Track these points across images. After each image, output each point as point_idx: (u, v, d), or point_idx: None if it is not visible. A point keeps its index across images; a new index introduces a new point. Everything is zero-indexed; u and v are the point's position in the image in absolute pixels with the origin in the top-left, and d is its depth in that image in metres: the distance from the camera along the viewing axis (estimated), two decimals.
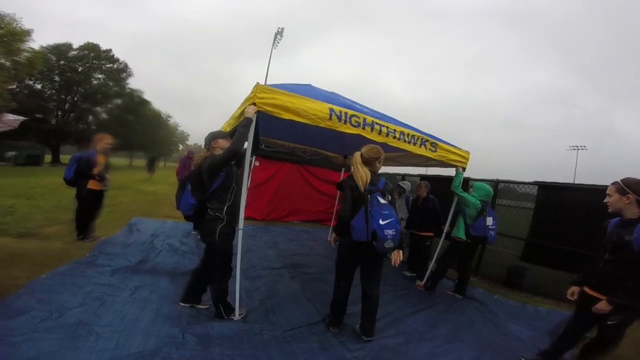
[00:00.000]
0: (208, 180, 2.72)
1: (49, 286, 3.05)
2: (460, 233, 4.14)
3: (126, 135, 28.50)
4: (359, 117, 3.19)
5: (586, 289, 2.45)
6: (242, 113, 3.03)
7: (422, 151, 3.77)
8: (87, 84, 29.63)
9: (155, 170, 22.92)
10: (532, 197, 5.20)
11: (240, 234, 2.87)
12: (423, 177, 6.59)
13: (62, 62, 27.75)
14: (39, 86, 26.81)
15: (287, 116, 2.85)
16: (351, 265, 2.89)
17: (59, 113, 28.73)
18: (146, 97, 35.34)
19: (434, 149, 3.86)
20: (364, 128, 3.23)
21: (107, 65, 31.40)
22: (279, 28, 25.27)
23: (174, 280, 3.57)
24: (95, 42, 30.60)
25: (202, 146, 2.99)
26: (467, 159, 4.22)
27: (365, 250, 2.67)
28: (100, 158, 4.64)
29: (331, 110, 3.02)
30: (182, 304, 3.05)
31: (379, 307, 2.91)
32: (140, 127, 33.17)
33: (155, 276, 3.67)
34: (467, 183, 5.04)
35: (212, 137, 2.93)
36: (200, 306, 3.06)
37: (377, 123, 3.32)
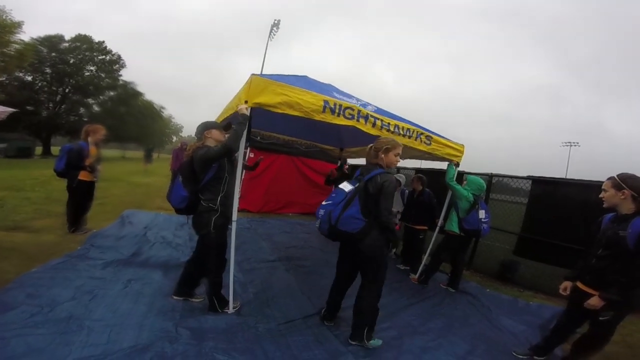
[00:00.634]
0: (200, 172, 2.69)
1: (39, 280, 3.00)
2: (453, 227, 4.16)
3: (118, 127, 28.31)
4: (353, 110, 3.16)
5: (579, 284, 2.47)
6: (235, 105, 2.98)
7: (416, 145, 3.75)
8: (79, 76, 29.19)
9: (152, 161, 22.88)
10: (525, 192, 5.22)
11: (233, 226, 2.85)
12: (418, 171, 6.59)
13: (53, 54, 27.25)
14: (29, 78, 26.32)
15: (280, 110, 2.81)
16: (341, 258, 3.00)
17: (50, 105, 28.33)
18: (139, 89, 35.07)
19: (428, 142, 3.85)
20: (358, 120, 3.20)
21: (100, 57, 30.93)
22: (275, 20, 24.94)
23: (167, 274, 3.54)
24: (87, 34, 30.13)
25: (194, 136, 2.92)
26: (461, 152, 4.22)
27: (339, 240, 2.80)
28: (92, 149, 4.57)
29: (325, 102, 2.98)
30: (175, 297, 3.02)
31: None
32: (133, 119, 32.84)
33: (147, 269, 3.64)
34: (461, 177, 5.04)
35: (205, 127, 2.89)
36: (193, 299, 3.04)
37: (371, 115, 3.29)
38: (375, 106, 3.81)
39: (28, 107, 24.59)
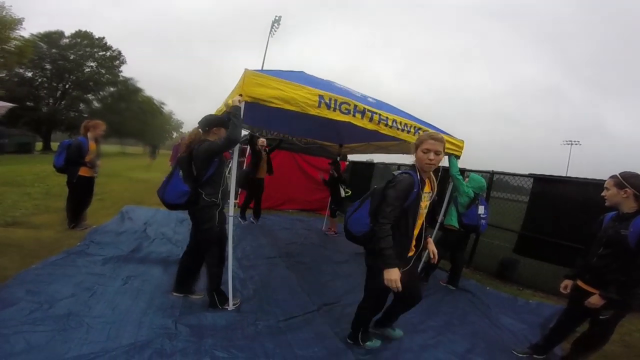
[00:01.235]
0: (202, 167, 2.68)
1: (38, 276, 3.00)
2: (453, 221, 4.17)
3: (119, 123, 28.34)
4: (349, 104, 3.11)
5: (579, 283, 2.46)
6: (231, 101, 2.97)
7: (414, 139, 3.70)
8: (79, 72, 29.19)
9: (157, 157, 23.12)
10: (526, 190, 5.19)
11: (230, 221, 2.85)
12: None
13: (53, 50, 27.21)
14: (29, 74, 26.30)
15: (275, 104, 2.78)
16: None
17: (50, 101, 28.31)
18: (140, 85, 35.13)
19: None
20: (354, 115, 3.16)
21: (100, 53, 30.89)
22: (276, 16, 24.70)
23: (167, 270, 3.53)
24: (88, 30, 30.03)
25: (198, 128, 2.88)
26: (461, 147, 4.18)
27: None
28: (91, 145, 4.56)
29: (320, 97, 2.94)
30: (175, 294, 3.02)
31: None
32: (133, 115, 32.86)
33: (147, 265, 3.64)
34: (462, 174, 5.02)
35: (217, 124, 2.87)
36: (193, 296, 3.04)
37: (368, 110, 3.24)
38: (375, 99, 3.77)
39: (28, 103, 24.61)
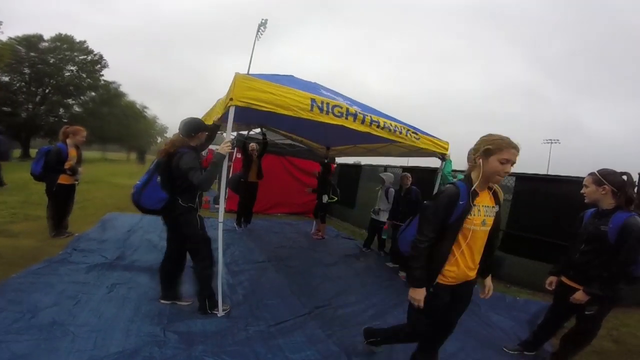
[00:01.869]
0: (180, 178, 2.66)
1: (20, 285, 2.91)
2: None
3: (101, 128, 27.80)
4: (341, 108, 3.15)
5: (564, 279, 2.52)
6: (223, 104, 2.95)
7: (407, 140, 3.76)
8: (59, 76, 28.36)
9: (146, 162, 22.79)
10: (509, 188, 5.30)
11: (220, 227, 2.84)
12: (405, 169, 6.65)
13: (32, 53, 26.38)
14: (6, 79, 25.45)
15: (267, 108, 2.78)
16: None
17: (29, 106, 27.46)
18: (122, 89, 34.53)
19: (417, 138, 3.88)
20: (346, 118, 3.19)
21: (81, 57, 30.10)
22: (262, 19, 24.58)
23: (154, 277, 3.43)
24: (68, 33, 29.29)
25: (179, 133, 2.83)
26: (446, 148, 4.26)
27: None
28: (72, 151, 4.44)
29: (312, 100, 2.96)
30: (162, 301, 2.96)
31: (365, 298, 2.85)
32: (116, 120, 32.21)
33: (133, 273, 3.56)
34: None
35: (200, 129, 2.86)
36: (181, 302, 2.99)
37: (360, 113, 3.28)
38: (360, 104, 3.81)
39: (5, 108, 23.82)
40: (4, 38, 19.66)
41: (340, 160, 9.31)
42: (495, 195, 1.94)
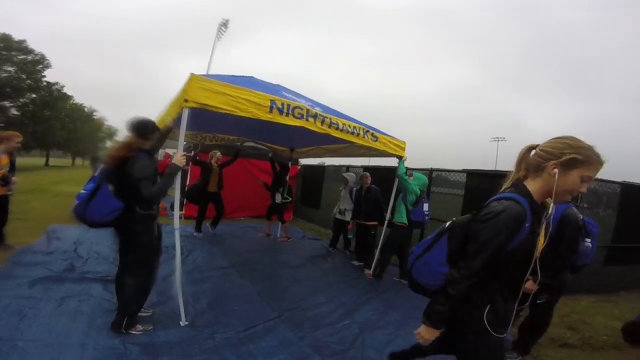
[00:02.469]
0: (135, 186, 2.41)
1: None
2: (403, 218, 4.37)
3: (43, 132, 25.62)
4: (302, 109, 3.14)
5: None
6: (176, 106, 2.81)
7: (364, 141, 3.85)
8: None
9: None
10: (461, 184, 5.55)
11: (177, 234, 2.71)
12: (366, 168, 6.77)
13: None
14: None
15: (224, 110, 2.69)
16: None
17: None
18: (67, 91, 32.17)
19: (374, 139, 3.97)
20: (307, 120, 3.18)
21: (20, 57, 27.49)
22: (223, 19, 23.53)
23: (107, 288, 3.21)
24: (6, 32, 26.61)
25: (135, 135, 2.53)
26: (403, 148, 4.39)
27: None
28: (3, 159, 4.00)
29: (272, 102, 2.92)
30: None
31: (334, 298, 2.84)
32: (60, 123, 29.95)
33: (84, 285, 3.30)
34: (406, 172, 5.24)
35: (155, 130, 2.61)
36: (140, 314, 2.77)
37: (320, 114, 3.29)
38: (322, 105, 3.83)
39: None
40: None
41: (305, 161, 9.30)
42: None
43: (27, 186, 7.71)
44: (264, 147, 7.04)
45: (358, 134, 3.73)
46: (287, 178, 6.44)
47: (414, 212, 4.31)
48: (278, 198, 6.21)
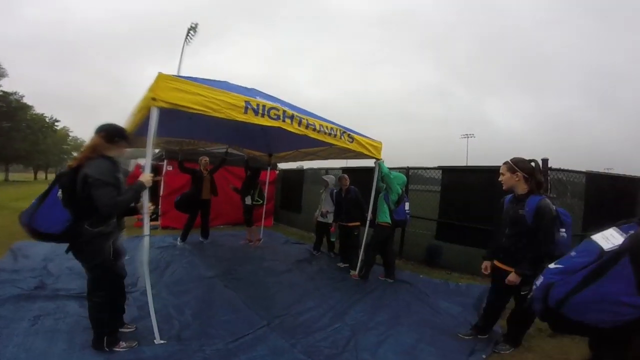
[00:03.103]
0: (86, 193, 2.12)
1: None
2: (386, 218, 4.39)
3: (2, 145, 24.10)
4: (278, 110, 3.07)
5: (496, 263, 2.70)
6: (142, 108, 2.64)
7: (341, 143, 3.85)
8: None
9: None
10: (437, 181, 5.64)
11: (146, 241, 2.50)
12: (344, 170, 6.77)
13: None
14: None
15: (196, 110, 2.55)
16: None
17: None
18: (27, 101, 30.52)
19: (351, 140, 3.96)
20: (284, 120, 3.13)
21: None
22: (192, 24, 23.02)
23: (85, 305, 3.00)
24: None
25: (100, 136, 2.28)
26: (379, 148, 4.42)
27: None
28: None
29: (247, 102, 2.83)
30: None
31: (323, 302, 2.83)
32: (20, 135, 28.31)
33: (58, 302, 3.13)
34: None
35: (124, 136, 2.41)
36: (124, 329, 2.67)
37: (297, 116, 3.25)
38: (299, 108, 3.78)
39: None
40: None
41: (283, 165, 9.22)
42: None
43: None
44: (240, 154, 6.90)
45: (335, 135, 3.71)
46: (258, 181, 6.35)
47: (397, 212, 4.35)
48: (248, 200, 6.11)
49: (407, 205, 4.45)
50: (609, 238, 1.34)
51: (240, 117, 2.81)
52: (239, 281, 4.13)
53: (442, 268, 5.19)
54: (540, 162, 2.63)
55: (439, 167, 5.65)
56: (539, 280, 1.51)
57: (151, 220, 8.19)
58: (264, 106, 2.96)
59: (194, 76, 2.93)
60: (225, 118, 2.75)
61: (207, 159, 6.15)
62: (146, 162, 2.54)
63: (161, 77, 2.44)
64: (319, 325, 3.03)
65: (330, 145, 3.98)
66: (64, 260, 4.50)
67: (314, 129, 3.44)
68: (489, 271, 2.78)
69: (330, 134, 3.64)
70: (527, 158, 2.57)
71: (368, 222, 4.68)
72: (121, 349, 2.41)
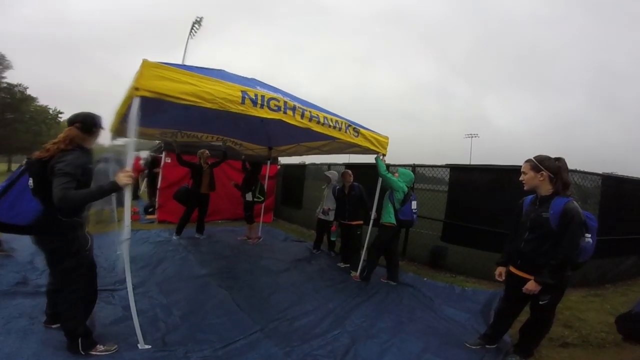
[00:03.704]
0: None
1: None
2: (391, 218, 4.14)
3: (5, 136, 24.05)
4: (278, 101, 2.83)
5: (512, 269, 2.48)
6: (128, 99, 2.41)
7: (346, 137, 3.60)
8: None
9: None
10: (442, 180, 5.46)
11: (125, 245, 2.27)
12: (347, 166, 6.54)
13: None
14: None
15: (187, 101, 2.33)
16: None
17: None
18: (32, 93, 30.69)
19: (356, 134, 3.72)
20: (285, 112, 2.89)
21: None
22: (197, 17, 22.89)
23: None
24: None
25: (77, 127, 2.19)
26: (386, 144, 4.18)
27: None
28: None
29: (244, 92, 2.60)
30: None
31: (321, 305, 2.64)
32: (24, 126, 28.39)
33: (38, 300, 2.90)
34: (388, 169, 5.07)
35: (100, 126, 2.33)
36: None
37: (299, 107, 3.01)
38: (301, 100, 3.55)
39: None
40: None
41: (284, 160, 9.01)
42: None
43: None
44: (236, 149, 6.64)
45: (340, 129, 3.47)
46: (259, 177, 6.14)
47: (402, 211, 4.06)
48: (249, 197, 5.90)
49: (414, 204, 4.14)
50: None
51: (237, 108, 2.58)
52: (233, 280, 3.93)
53: (447, 270, 4.98)
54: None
55: (447, 165, 5.41)
56: None
57: (148, 214, 8.03)
58: (263, 96, 2.73)
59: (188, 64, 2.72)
60: (220, 109, 2.53)
61: (207, 152, 5.95)
62: (128, 157, 2.28)
63: (146, 65, 2.21)
64: (317, 332, 2.82)
65: (334, 139, 3.74)
66: None
67: (318, 122, 3.20)
68: (503, 278, 2.56)
69: (335, 127, 3.40)
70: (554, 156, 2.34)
71: (372, 222, 4.43)
72: (99, 353, 2.23)
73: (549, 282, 2.19)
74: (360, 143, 3.82)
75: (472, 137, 62.89)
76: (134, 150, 2.38)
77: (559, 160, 2.31)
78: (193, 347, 2.42)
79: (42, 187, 1.98)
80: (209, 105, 2.44)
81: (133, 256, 4.42)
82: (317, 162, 8.01)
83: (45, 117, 33.73)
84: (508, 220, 4.07)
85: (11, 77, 28.05)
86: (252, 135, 5.73)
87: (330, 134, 3.43)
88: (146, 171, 9.41)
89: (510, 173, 4.53)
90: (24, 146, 30.12)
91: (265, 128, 5.33)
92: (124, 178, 2.06)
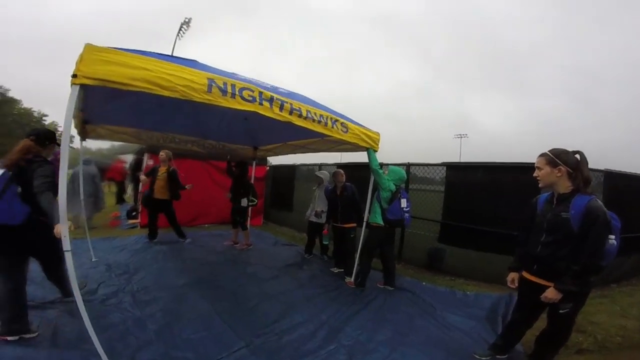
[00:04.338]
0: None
1: None
2: (377, 218, 3.90)
3: None
4: (252, 91, 2.47)
5: (526, 275, 2.23)
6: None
7: (333, 133, 3.25)
8: None
9: None
10: (437, 180, 5.24)
11: (69, 257, 1.96)
12: (340, 166, 6.27)
13: None
14: None
15: (138, 87, 1.98)
16: None
17: None
18: (14, 95, 30.41)
19: (345, 129, 3.37)
20: (260, 104, 2.51)
21: None
22: (185, 18, 22.50)
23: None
24: None
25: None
26: (377, 140, 3.90)
27: None
28: None
29: (210, 80, 2.25)
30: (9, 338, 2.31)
31: (314, 316, 2.47)
32: (6, 130, 27.73)
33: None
34: (380, 167, 4.81)
35: (53, 139, 2.71)
36: (29, 335, 2.36)
37: (277, 98, 2.64)
38: (287, 90, 3.23)
39: None
40: None
41: (274, 161, 8.72)
42: None
43: None
44: (222, 147, 6.26)
45: (326, 124, 3.11)
46: (248, 178, 5.81)
47: (391, 210, 3.80)
48: (244, 202, 5.53)
49: (404, 202, 3.87)
50: None
51: (202, 97, 2.21)
52: (216, 290, 3.60)
53: (445, 273, 4.75)
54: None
55: (443, 164, 5.18)
56: None
57: (131, 218, 7.64)
58: (233, 85, 2.36)
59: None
60: (182, 99, 2.16)
61: (166, 152, 5.50)
62: (61, 165, 1.88)
63: (88, 49, 1.87)
64: (309, 347, 2.52)
65: (322, 136, 3.41)
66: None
67: (300, 115, 2.83)
68: (516, 284, 2.31)
69: (320, 122, 3.03)
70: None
71: (365, 224, 4.14)
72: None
73: (572, 290, 1.93)
74: (349, 139, 3.49)
75: (461, 137, 64.80)
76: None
77: (578, 153, 2.07)
78: None
79: (29, 192, 2.27)
80: (166, 93, 2.08)
81: (109, 264, 4.13)
82: (308, 162, 7.75)
83: (30, 120, 32.99)
84: (508, 220, 3.92)
85: None
86: (235, 135, 5.35)
87: (314, 129, 3.05)
88: (129, 175, 9.07)
89: (510, 170, 4.34)
90: (3, 150, 29.38)
91: (249, 127, 4.95)
92: (57, 233, 2.04)
